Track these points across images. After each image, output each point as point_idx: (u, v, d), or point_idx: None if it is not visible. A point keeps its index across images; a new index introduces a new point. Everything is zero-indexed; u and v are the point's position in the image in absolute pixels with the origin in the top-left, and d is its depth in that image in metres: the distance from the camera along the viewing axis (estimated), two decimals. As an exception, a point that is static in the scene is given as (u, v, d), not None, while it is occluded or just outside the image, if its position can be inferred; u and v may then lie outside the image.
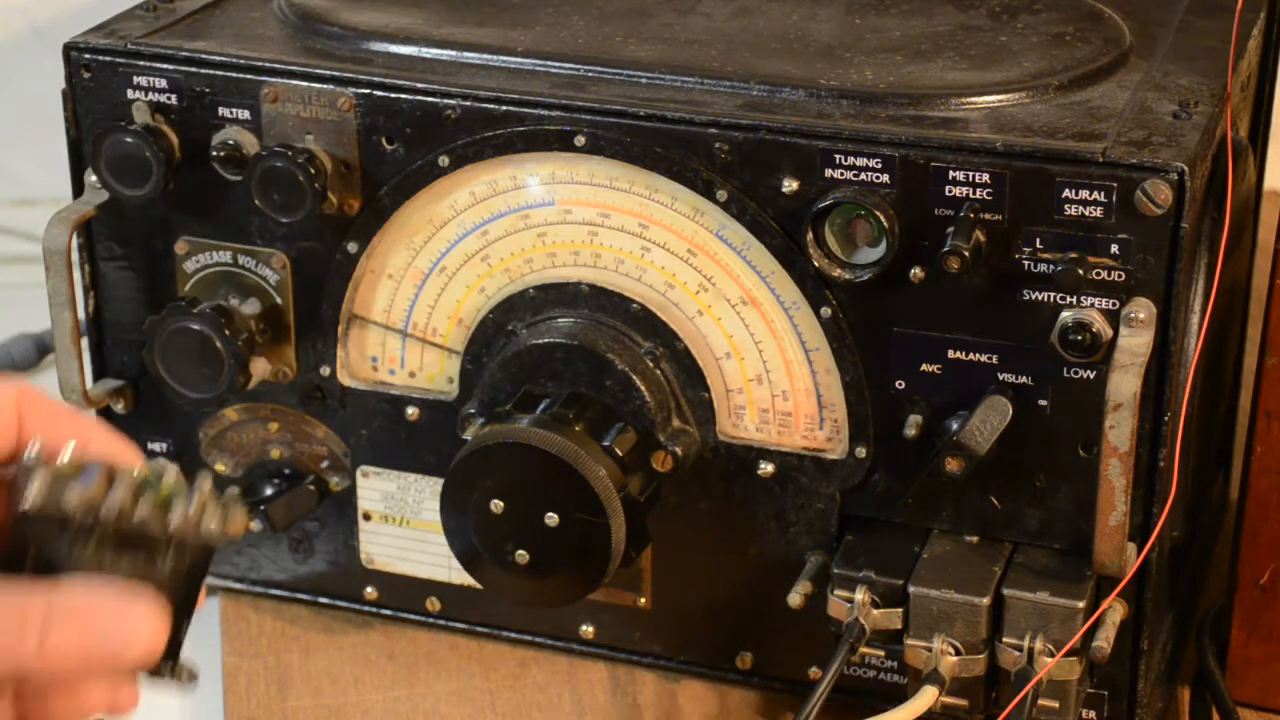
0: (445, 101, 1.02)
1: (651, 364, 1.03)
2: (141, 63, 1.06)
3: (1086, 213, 0.94)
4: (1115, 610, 0.99)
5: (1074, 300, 0.95)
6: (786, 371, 1.02)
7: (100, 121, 1.07)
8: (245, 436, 1.12)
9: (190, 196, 1.07)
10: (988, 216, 0.96)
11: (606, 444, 1.01)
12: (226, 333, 1.06)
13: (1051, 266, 0.95)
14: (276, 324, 1.09)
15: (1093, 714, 1.03)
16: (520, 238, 1.04)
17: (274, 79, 1.04)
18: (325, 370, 1.09)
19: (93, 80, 1.07)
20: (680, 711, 1.09)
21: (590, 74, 1.03)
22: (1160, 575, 1.02)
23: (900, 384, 1.00)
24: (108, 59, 1.06)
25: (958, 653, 0.99)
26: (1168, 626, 1.07)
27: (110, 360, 1.13)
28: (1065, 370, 0.97)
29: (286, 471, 1.12)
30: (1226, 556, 1.09)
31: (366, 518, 1.12)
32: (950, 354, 0.99)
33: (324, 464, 1.12)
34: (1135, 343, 0.94)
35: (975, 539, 1.02)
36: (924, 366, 0.99)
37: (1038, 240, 0.95)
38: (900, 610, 1.00)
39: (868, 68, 1.03)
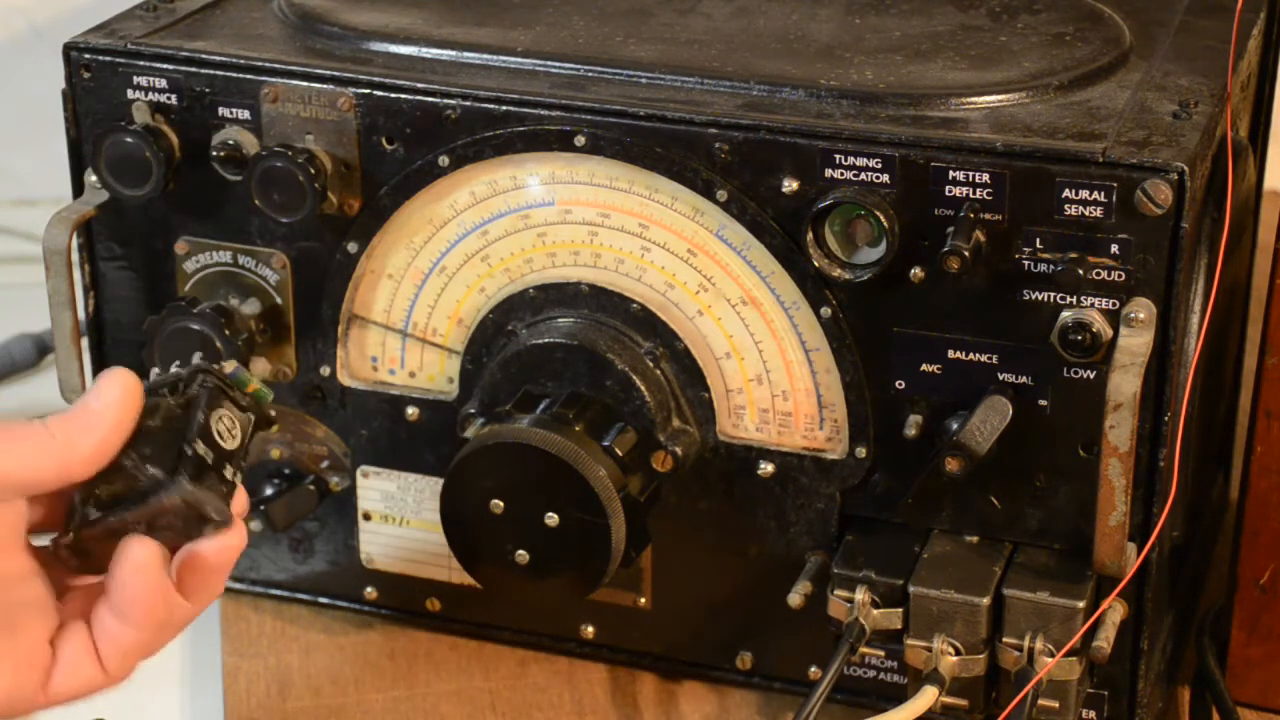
0: (445, 101, 1.02)
1: (651, 364, 1.03)
2: (141, 63, 1.06)
3: (1086, 213, 0.94)
4: (1115, 610, 0.99)
5: (1074, 300, 0.95)
6: (786, 371, 1.02)
7: (100, 121, 1.07)
8: (245, 436, 1.12)
9: (190, 196, 1.07)
10: (988, 216, 0.96)
11: (606, 444, 1.01)
12: (226, 333, 1.06)
13: (1051, 266, 0.95)
14: (276, 324, 1.09)
15: (1093, 714, 1.03)
16: (520, 238, 1.04)
17: (274, 79, 1.04)
18: (325, 370, 1.09)
19: (93, 80, 1.07)
20: (680, 711, 1.09)
21: (590, 74, 1.03)
22: (1160, 575, 1.02)
23: (900, 384, 1.00)
24: (108, 59, 1.07)
25: (958, 653, 0.99)
26: (1168, 626, 1.07)
27: (110, 360, 1.13)
28: (1065, 370, 0.97)
29: (286, 471, 1.12)
30: (1226, 556, 1.09)
31: (366, 518, 1.12)
32: (950, 354, 0.99)
33: (324, 464, 1.12)
34: (1135, 343, 0.94)
35: (975, 539, 1.02)
36: (924, 366, 0.99)
37: (1038, 240, 0.95)
38: (900, 610, 1.00)
39: (868, 68, 1.03)
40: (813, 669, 1.07)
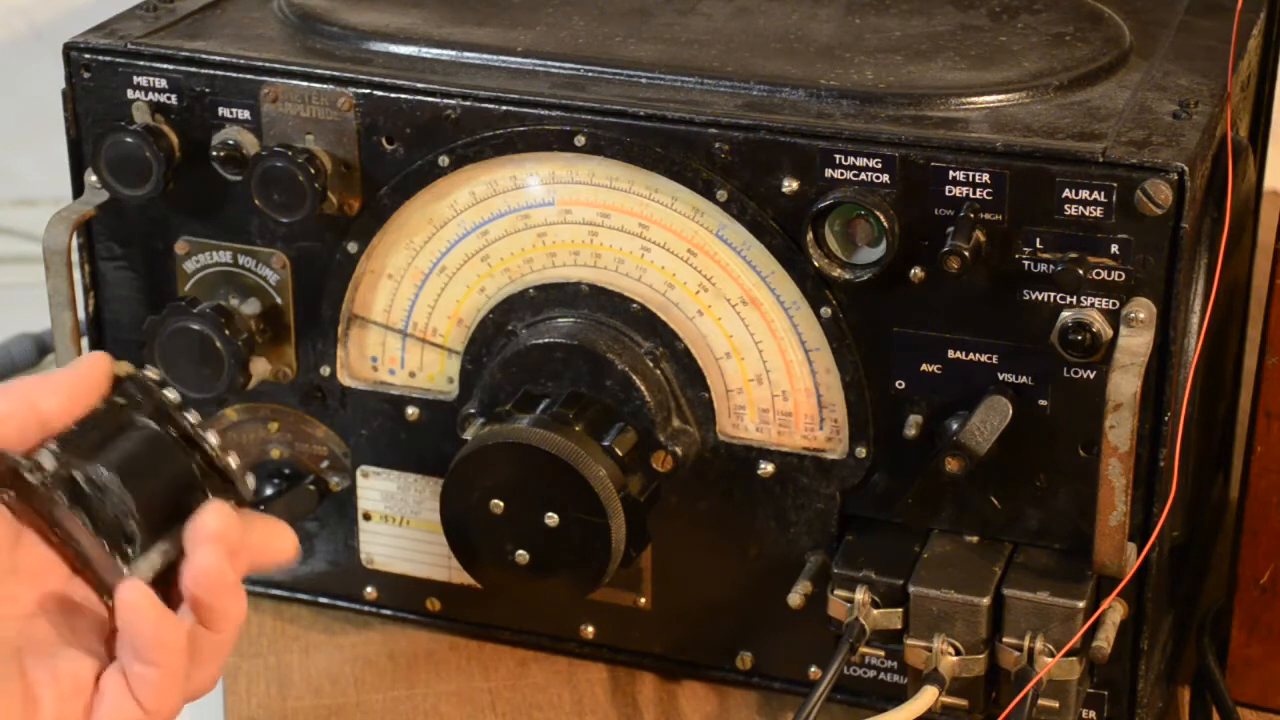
0: (445, 101, 1.02)
1: (651, 364, 1.03)
2: (141, 63, 1.06)
3: (1086, 213, 0.94)
4: (1115, 610, 0.99)
5: (1074, 300, 0.95)
6: (786, 371, 1.02)
7: (100, 121, 1.07)
8: (245, 436, 1.12)
9: (190, 196, 1.07)
10: (988, 216, 0.96)
11: (606, 444, 1.01)
12: (226, 333, 1.06)
13: (1051, 266, 0.95)
14: (276, 324, 1.09)
15: (1093, 714, 1.03)
16: (520, 238, 1.04)
17: (274, 79, 1.04)
18: (325, 370, 1.09)
19: (93, 80, 1.07)
20: (680, 711, 1.09)
21: (590, 74, 1.03)
22: (1160, 575, 1.02)
23: (900, 384, 1.00)
24: (108, 59, 1.07)
25: (958, 653, 0.99)
26: (1168, 626, 1.07)
27: (110, 360, 1.13)
28: (1065, 370, 0.97)
29: (286, 471, 1.12)
30: (1226, 556, 1.09)
31: (366, 518, 1.12)
32: (950, 354, 0.99)
33: (324, 464, 1.12)
34: (1135, 343, 0.94)
35: (975, 539, 1.02)
36: (924, 366, 0.99)
37: (1038, 240, 0.95)
38: (900, 610, 1.00)
39: (868, 68, 1.03)
40: (813, 669, 1.07)
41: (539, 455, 0.99)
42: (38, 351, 1.41)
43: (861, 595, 1.00)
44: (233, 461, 0.86)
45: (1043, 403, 0.98)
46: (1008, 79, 1.01)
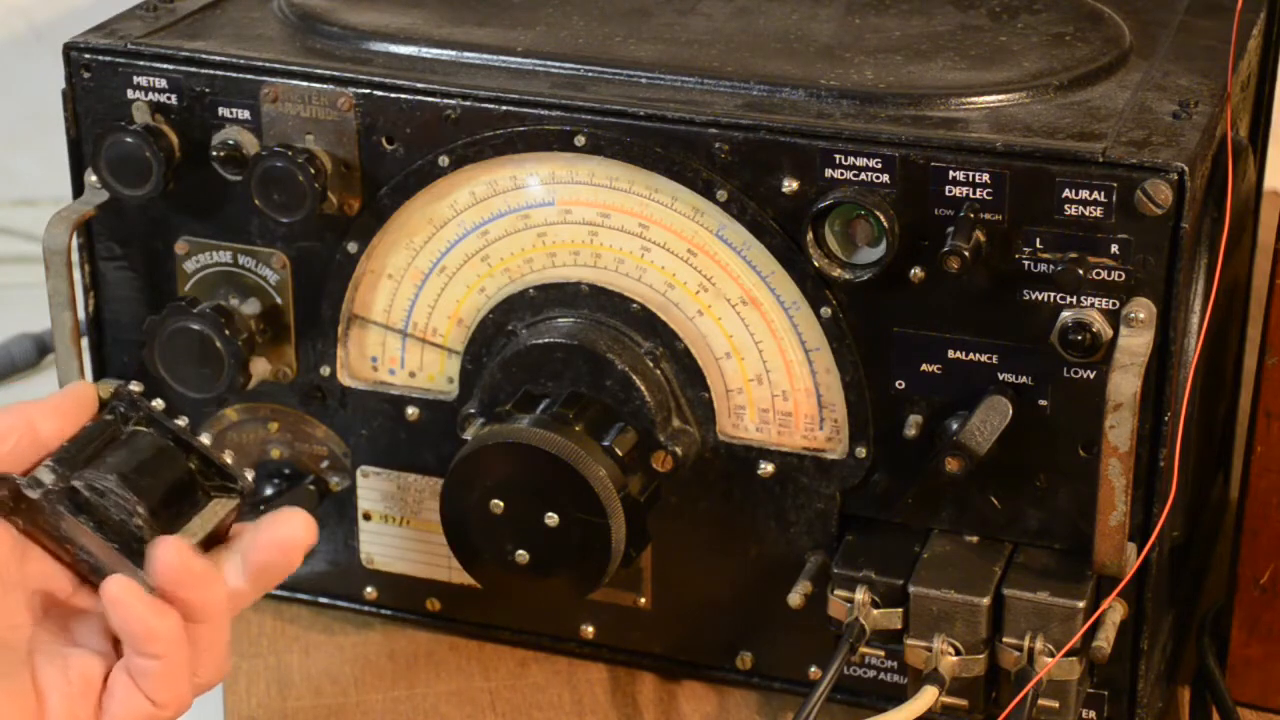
0: (445, 101, 1.02)
1: (651, 364, 1.03)
2: (141, 63, 1.06)
3: (1086, 213, 0.94)
4: (1115, 610, 0.99)
5: (1074, 300, 0.95)
6: (786, 371, 1.02)
7: (100, 121, 1.07)
8: (245, 436, 1.12)
9: (190, 196, 1.07)
10: (988, 216, 0.96)
11: (606, 444, 1.01)
12: (226, 333, 1.06)
13: (1051, 266, 0.95)
14: (276, 324, 1.09)
15: (1093, 714, 1.03)
16: (520, 238, 1.04)
17: (274, 79, 1.04)
18: (325, 370, 1.09)
19: (93, 80, 1.07)
20: (680, 711, 1.09)
21: (590, 74, 1.03)
22: (1160, 575, 1.02)
23: (900, 384, 1.00)
24: (108, 59, 1.07)
25: (958, 653, 0.99)
26: (1168, 626, 1.07)
27: (110, 360, 1.13)
28: (1065, 370, 0.97)
29: (286, 471, 1.12)
30: (1226, 556, 1.09)
31: (366, 518, 1.12)
32: (950, 354, 0.99)
33: (324, 464, 1.12)
34: (1135, 343, 0.94)
35: (975, 539, 1.02)
36: (924, 366, 0.99)
37: (1038, 240, 0.95)
38: (900, 610, 1.00)
39: (868, 68, 1.03)
40: (813, 669, 1.07)
41: (539, 455, 0.99)
42: (38, 351, 1.41)
43: (861, 595, 1.00)
44: (228, 457, 0.86)
45: (1043, 403, 0.98)
46: (1008, 79, 1.01)
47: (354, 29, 1.08)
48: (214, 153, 1.05)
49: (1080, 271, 0.94)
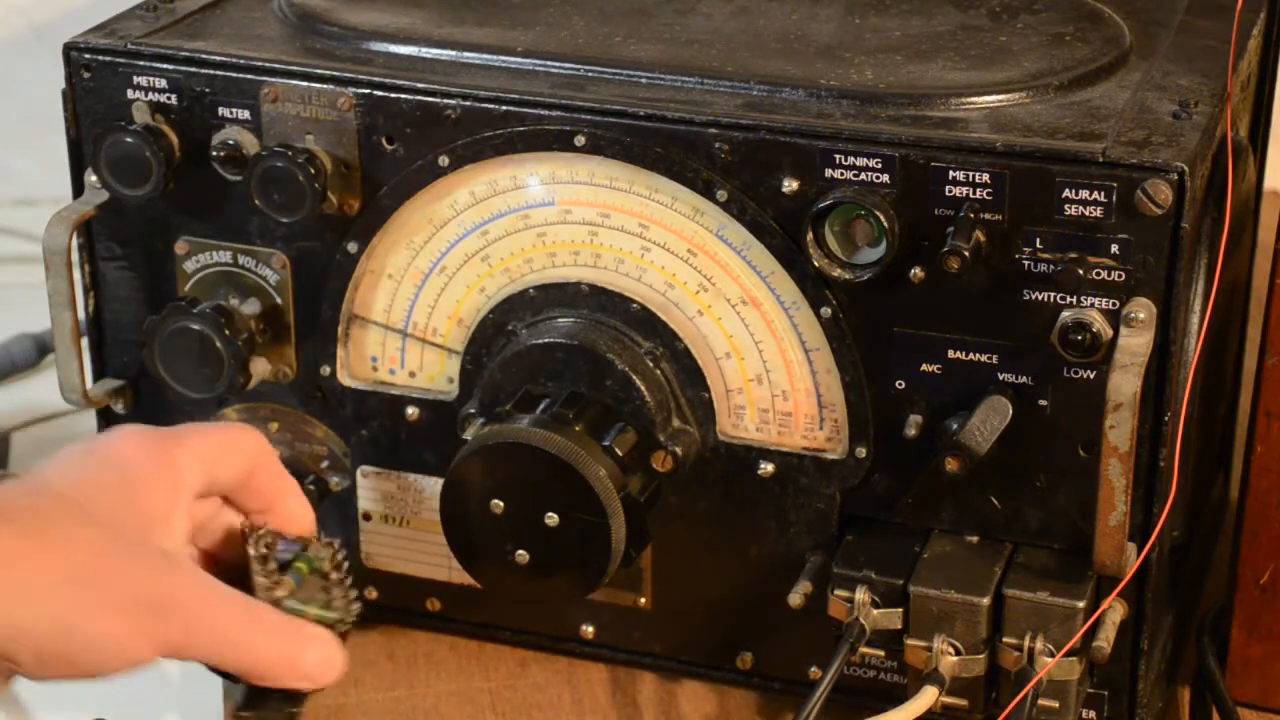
0: (445, 101, 1.02)
1: (651, 364, 1.03)
2: (141, 63, 1.06)
3: (1086, 213, 0.94)
4: (1115, 610, 0.99)
5: (1074, 300, 0.95)
6: (786, 371, 1.02)
7: (100, 121, 1.07)
8: (245, 436, 1.12)
9: (190, 196, 1.07)
10: (988, 216, 0.96)
11: (606, 444, 1.01)
12: (226, 333, 1.06)
13: (1051, 266, 0.95)
14: (276, 324, 1.09)
15: (1093, 714, 1.03)
16: (520, 238, 1.04)
17: (274, 79, 1.04)
18: (325, 370, 1.09)
19: (93, 80, 1.07)
20: (680, 711, 1.09)
21: (590, 74, 1.03)
22: (1160, 575, 1.02)
23: (900, 384, 1.00)
24: (108, 59, 1.07)
25: (958, 653, 0.99)
26: (1168, 626, 1.07)
27: (110, 360, 1.13)
28: (1065, 370, 0.97)
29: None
30: (1226, 556, 1.09)
31: (366, 518, 1.12)
32: (950, 354, 0.99)
33: (324, 464, 1.12)
34: (1135, 343, 0.94)
35: (975, 539, 1.02)
36: (924, 366, 1.00)
37: (1038, 240, 0.95)
38: (900, 610, 1.00)
39: (868, 68, 1.03)
40: (813, 669, 1.07)
41: (539, 455, 0.99)
42: (38, 351, 1.41)
43: (861, 595, 1.00)
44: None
45: (1043, 403, 0.98)
46: (1008, 79, 1.01)
47: (354, 29, 1.08)
48: (214, 153, 1.05)
49: (1080, 271, 0.94)
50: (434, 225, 1.05)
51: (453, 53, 1.06)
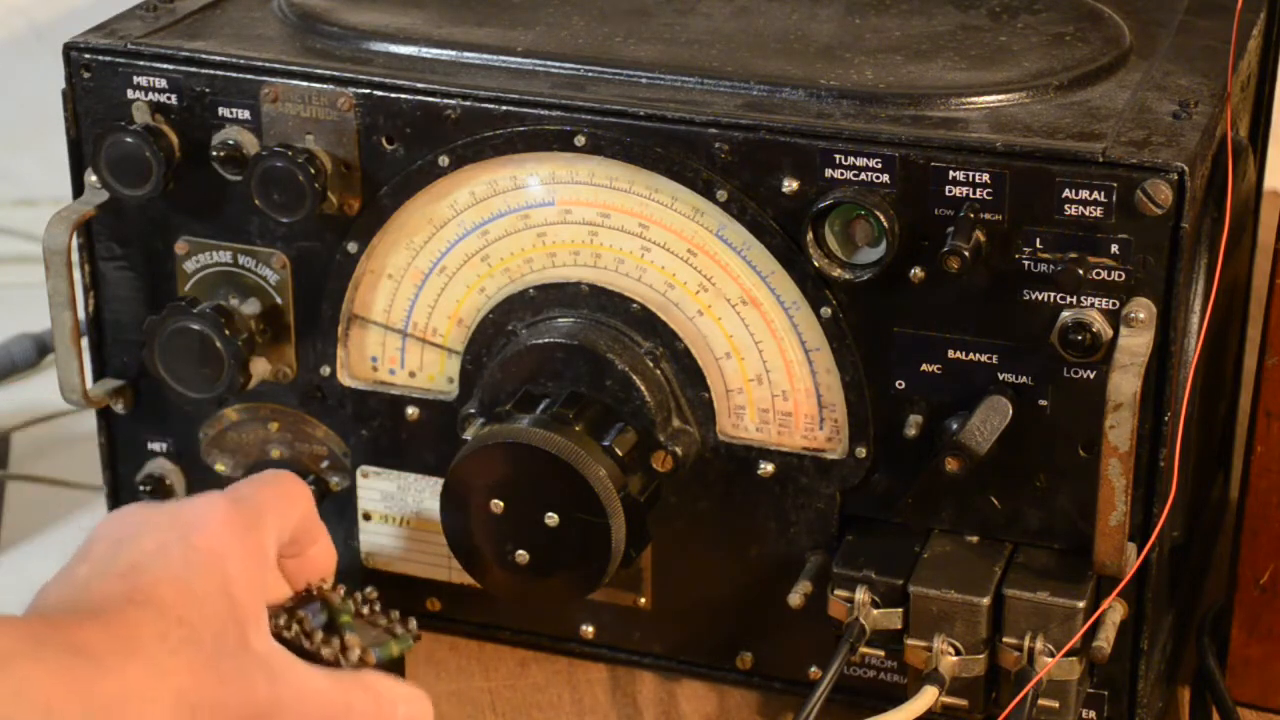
0: (445, 101, 1.02)
1: (651, 364, 1.03)
2: (141, 63, 1.06)
3: (1086, 213, 0.94)
4: (1115, 610, 0.99)
5: (1074, 300, 0.96)
6: (786, 371, 1.02)
7: (100, 121, 1.07)
8: (245, 436, 1.12)
9: (190, 196, 1.07)
10: (988, 216, 0.96)
11: (606, 444, 1.01)
12: (226, 333, 1.06)
13: (1051, 266, 0.95)
14: (276, 324, 1.09)
15: (1093, 714, 1.03)
16: (520, 238, 1.04)
17: (274, 79, 1.04)
18: (325, 370, 1.09)
19: (93, 80, 1.07)
20: (680, 711, 1.09)
21: (590, 74, 1.03)
22: (1160, 575, 1.02)
23: (900, 384, 1.00)
24: (108, 59, 1.07)
25: (958, 653, 0.99)
26: (1168, 626, 1.07)
27: (110, 360, 1.13)
28: (1065, 370, 0.97)
29: (286, 471, 1.12)
30: (1226, 556, 1.09)
31: (366, 518, 1.12)
32: (950, 354, 0.99)
33: (324, 464, 1.12)
34: (1135, 343, 0.94)
35: (975, 539, 1.02)
36: (924, 366, 1.00)
37: (1038, 240, 0.95)
38: (900, 610, 1.00)
39: (868, 68, 1.03)
40: (813, 669, 1.07)
41: (539, 455, 0.99)
42: (38, 351, 1.41)
43: (861, 595, 1.00)
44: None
45: (1043, 403, 0.98)
46: (1008, 79, 1.01)
47: (354, 29, 1.08)
48: (214, 153, 1.05)
49: (1080, 271, 0.94)
50: (434, 225, 1.05)
51: (453, 53, 1.06)
